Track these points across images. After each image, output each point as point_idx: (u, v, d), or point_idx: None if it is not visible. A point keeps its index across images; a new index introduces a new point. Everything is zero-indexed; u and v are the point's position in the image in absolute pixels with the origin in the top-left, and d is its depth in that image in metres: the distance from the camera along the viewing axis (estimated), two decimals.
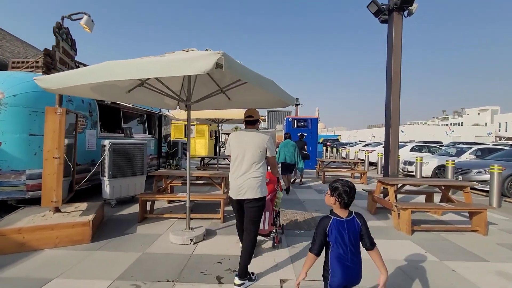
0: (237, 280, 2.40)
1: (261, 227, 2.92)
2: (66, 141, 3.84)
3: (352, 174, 9.63)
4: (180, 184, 5.55)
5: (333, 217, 1.65)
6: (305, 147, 8.58)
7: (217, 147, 20.29)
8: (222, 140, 34.66)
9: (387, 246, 3.46)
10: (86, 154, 5.34)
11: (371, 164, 14.23)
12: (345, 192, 1.62)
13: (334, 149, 19.65)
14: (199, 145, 17.68)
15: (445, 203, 4.49)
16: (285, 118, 13.28)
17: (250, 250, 2.48)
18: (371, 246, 1.65)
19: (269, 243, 3.46)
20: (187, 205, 3.68)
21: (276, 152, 6.09)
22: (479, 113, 71.92)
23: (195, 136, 17.81)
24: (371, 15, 5.49)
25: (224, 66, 2.05)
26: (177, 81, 4.14)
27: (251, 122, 2.80)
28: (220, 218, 4.33)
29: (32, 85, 4.41)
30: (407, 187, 5.70)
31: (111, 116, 6.75)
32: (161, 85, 3.84)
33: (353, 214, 1.68)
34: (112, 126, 6.69)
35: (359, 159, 14.61)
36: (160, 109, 8.64)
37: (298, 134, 9.37)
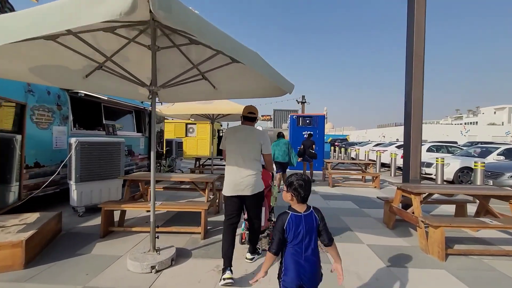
0: (249, 255, 2.86)
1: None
2: None
3: (362, 177, 8.67)
4: (162, 189, 4.78)
5: (291, 212, 1.59)
6: (313, 146, 8.24)
7: None
8: None
9: (415, 279, 2.56)
10: (53, 154, 4.62)
11: (383, 165, 13.18)
12: (300, 186, 1.57)
13: (343, 149, 18.59)
14: (201, 144, 16.95)
15: (486, 217, 3.54)
16: (289, 116, 12.38)
17: (258, 235, 2.87)
18: (329, 242, 1.60)
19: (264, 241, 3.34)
20: (151, 219, 2.87)
21: None
22: (495, 112, 68.97)
23: (197, 135, 17.10)
24: (380, 12, 4.58)
25: (156, 7, 1.22)
26: (146, 63, 3.34)
27: (250, 118, 2.77)
28: (200, 233, 3.51)
29: None
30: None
31: (89, 111, 6.03)
32: (127, 67, 3.07)
33: (311, 208, 1.63)
34: (91, 123, 5.97)
35: (370, 160, 13.58)
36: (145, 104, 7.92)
37: (306, 133, 8.97)
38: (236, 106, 6.06)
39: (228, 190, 2.56)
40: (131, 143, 7.04)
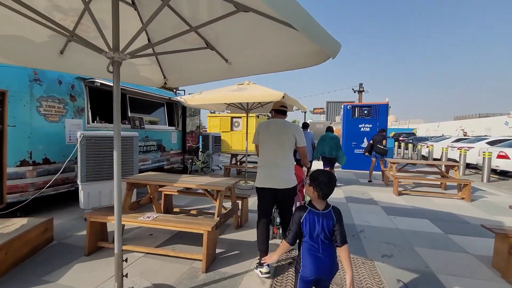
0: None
1: None
2: None
3: (441, 183, 6.57)
4: (176, 193, 3.99)
5: (309, 208, 1.62)
6: (384, 141, 7.32)
7: None
8: None
9: None
10: (67, 149, 4.23)
11: (467, 166, 10.36)
12: (323, 183, 1.56)
13: (410, 146, 15.63)
14: (241, 139, 16.26)
15: None
16: (342, 106, 10.59)
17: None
18: (341, 243, 1.56)
19: None
20: (115, 249, 1.98)
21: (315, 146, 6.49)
22: None
23: (242, 129, 16.47)
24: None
25: None
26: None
27: (283, 112, 2.76)
28: (201, 260, 2.53)
29: None
30: None
31: (111, 102, 5.62)
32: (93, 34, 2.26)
33: (330, 207, 1.62)
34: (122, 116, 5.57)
35: (449, 159, 10.86)
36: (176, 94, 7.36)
37: (378, 129, 8.19)
38: (271, 93, 4.91)
39: (260, 182, 2.57)
40: (161, 138, 6.55)
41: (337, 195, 5.79)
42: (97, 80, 4.53)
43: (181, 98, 5.46)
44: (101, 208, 3.28)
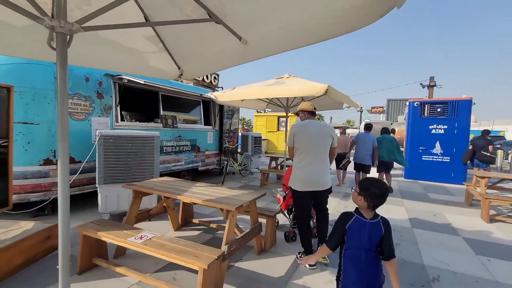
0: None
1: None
2: None
3: None
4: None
5: (356, 215, 1.53)
6: (491, 147, 6.38)
7: None
8: None
9: None
10: (92, 148, 4.10)
11: None
12: (375, 195, 1.46)
13: (500, 153, 12.47)
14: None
15: None
16: (407, 103, 8.83)
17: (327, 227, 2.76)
18: (388, 257, 1.47)
19: None
20: (60, 283, 1.45)
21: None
22: None
23: (289, 128, 15.58)
24: None
25: None
26: None
27: (314, 113, 2.81)
28: None
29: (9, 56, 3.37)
30: None
31: (143, 100, 5.47)
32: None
33: (379, 217, 1.53)
34: (147, 114, 5.40)
35: None
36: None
37: (482, 130, 6.96)
38: (312, 86, 4.02)
39: (300, 185, 2.57)
40: (196, 137, 6.22)
41: (398, 214, 4.54)
42: (124, 77, 4.32)
43: (211, 94, 4.98)
44: (117, 213, 2.93)
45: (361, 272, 1.47)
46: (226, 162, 6.82)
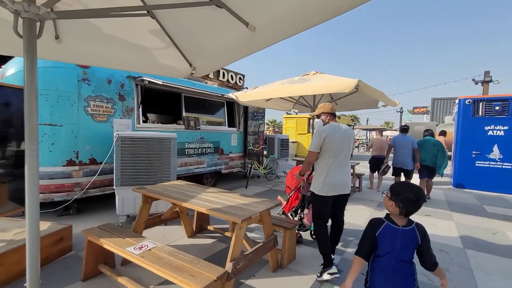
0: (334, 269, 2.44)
1: None
2: None
3: None
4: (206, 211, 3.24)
5: (386, 221, 1.42)
6: None
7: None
8: (360, 137, 28.71)
9: None
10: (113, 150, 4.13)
11: None
12: (409, 200, 1.35)
13: None
14: None
15: None
16: (456, 101, 7.74)
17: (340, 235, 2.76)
18: (433, 266, 1.40)
19: None
20: None
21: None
22: None
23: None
24: None
25: None
26: None
27: (336, 116, 2.78)
28: None
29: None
30: None
31: (166, 102, 5.46)
32: None
33: (414, 224, 1.41)
34: (170, 116, 5.38)
35: None
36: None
37: None
38: (340, 82, 3.58)
39: (328, 190, 2.48)
40: (219, 139, 6.08)
41: (446, 230, 3.85)
42: (145, 78, 4.30)
43: (232, 94, 4.77)
44: (135, 215, 2.83)
45: (391, 284, 1.38)
46: (250, 165, 6.58)
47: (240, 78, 7.37)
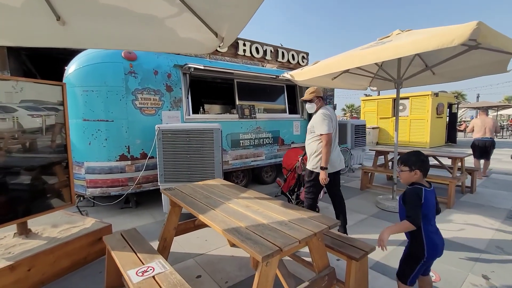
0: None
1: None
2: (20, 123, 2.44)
3: None
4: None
5: (423, 187, 1.57)
6: None
7: (454, 132, 13.00)
8: (464, 119, 22.54)
9: None
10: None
11: None
12: (424, 161, 1.61)
13: None
14: (416, 127, 12.01)
15: None
16: None
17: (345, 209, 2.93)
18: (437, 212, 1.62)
19: None
20: None
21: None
22: None
23: (410, 114, 12.28)
24: None
25: None
26: None
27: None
28: None
29: (87, 58, 3.58)
30: None
31: (217, 90, 5.04)
32: None
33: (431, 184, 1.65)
34: (222, 105, 4.97)
35: None
36: None
37: None
38: (445, 32, 2.29)
39: (331, 168, 2.71)
40: (278, 128, 5.39)
41: None
42: (190, 65, 3.96)
43: (287, 74, 3.96)
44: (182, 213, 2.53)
45: (441, 240, 1.59)
46: None
47: (303, 56, 6.39)
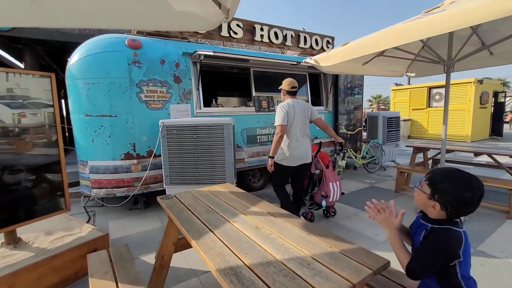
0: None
1: (332, 198, 2.97)
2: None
3: None
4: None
5: (459, 229, 1.02)
6: None
7: (500, 124, 11.52)
8: (510, 108, 20.04)
9: None
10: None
11: None
12: (469, 203, 0.99)
13: None
14: (456, 119, 10.77)
15: None
16: None
17: (302, 198, 3.08)
18: None
19: None
20: None
21: None
22: None
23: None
24: None
25: None
26: None
27: (295, 93, 2.88)
28: None
29: (88, 48, 3.29)
30: None
31: (231, 80, 4.58)
32: None
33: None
34: (237, 97, 4.51)
35: None
36: None
37: None
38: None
39: (291, 161, 2.74)
40: None
41: None
42: (199, 52, 3.54)
43: (310, 59, 3.40)
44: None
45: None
46: (341, 154, 5.05)
47: (328, 41, 5.73)
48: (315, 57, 3.36)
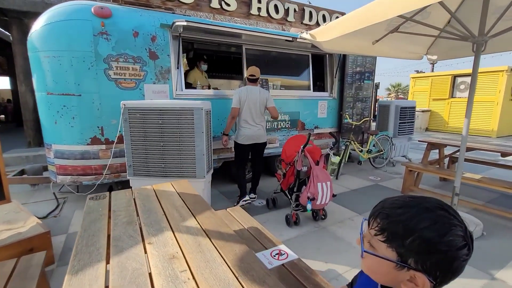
0: (252, 195, 3.21)
1: (320, 201, 2.57)
2: None
3: None
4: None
5: None
6: None
7: None
8: None
9: None
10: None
11: None
12: (457, 256, 0.51)
13: None
14: (481, 112, 9.76)
15: None
16: None
17: (259, 176, 3.32)
18: None
19: None
20: None
21: None
22: None
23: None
24: None
25: None
26: None
27: (254, 80, 3.09)
28: None
29: (50, 15, 2.88)
30: None
31: (223, 61, 4.07)
32: None
33: None
34: (226, 78, 4.01)
35: None
36: None
37: None
38: None
39: (243, 140, 3.06)
40: (297, 109, 4.33)
41: None
42: (178, 23, 3.04)
43: (305, 33, 2.83)
44: None
45: None
46: (344, 146, 4.52)
47: (337, 17, 5.03)
48: (311, 32, 2.78)
